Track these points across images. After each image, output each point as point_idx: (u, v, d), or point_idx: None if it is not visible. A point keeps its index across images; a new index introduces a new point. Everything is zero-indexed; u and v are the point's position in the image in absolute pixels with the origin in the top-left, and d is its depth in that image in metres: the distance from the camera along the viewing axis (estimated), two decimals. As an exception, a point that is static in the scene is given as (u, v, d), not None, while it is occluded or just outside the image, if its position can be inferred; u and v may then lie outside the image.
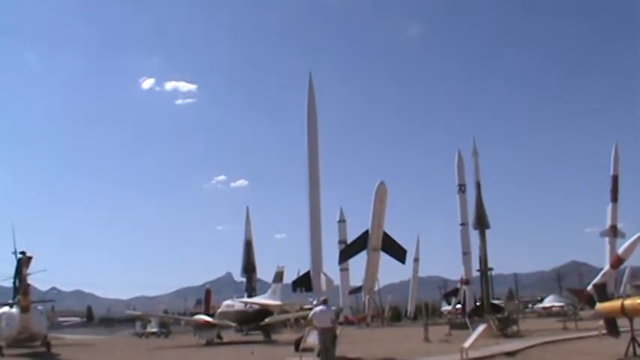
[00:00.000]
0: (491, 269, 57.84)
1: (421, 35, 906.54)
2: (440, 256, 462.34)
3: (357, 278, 75.43)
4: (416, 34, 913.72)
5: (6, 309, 48.56)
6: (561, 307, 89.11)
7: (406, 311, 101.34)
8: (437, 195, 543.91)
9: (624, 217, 70.69)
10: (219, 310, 59.22)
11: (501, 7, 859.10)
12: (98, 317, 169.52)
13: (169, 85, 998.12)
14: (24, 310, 40.85)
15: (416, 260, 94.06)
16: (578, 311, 61.59)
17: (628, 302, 21.20)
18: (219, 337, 55.84)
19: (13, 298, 50.16)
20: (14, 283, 54.54)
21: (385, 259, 46.39)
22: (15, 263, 53.15)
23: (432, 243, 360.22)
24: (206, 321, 56.29)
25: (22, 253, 44.21)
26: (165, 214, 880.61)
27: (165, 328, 77.14)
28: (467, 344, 26.72)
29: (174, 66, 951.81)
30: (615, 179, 62.56)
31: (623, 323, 21.84)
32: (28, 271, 42.77)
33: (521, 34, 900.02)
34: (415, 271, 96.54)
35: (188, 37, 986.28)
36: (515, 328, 47.29)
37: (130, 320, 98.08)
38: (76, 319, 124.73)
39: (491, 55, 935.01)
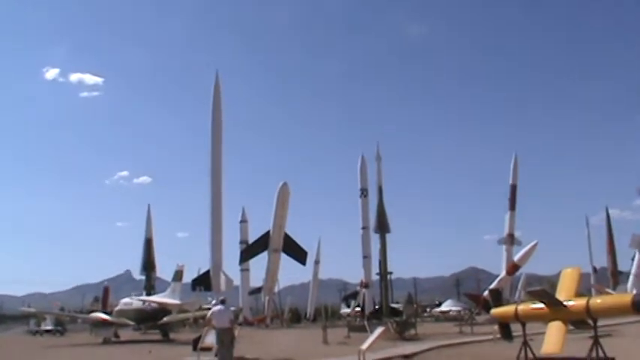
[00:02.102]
0: (390, 273, 58.60)
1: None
2: (341, 259, 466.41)
3: (257, 279, 75.32)
4: (323, 38, 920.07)
5: None
6: (458, 311, 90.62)
7: (306, 313, 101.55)
8: (340, 198, 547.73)
9: (521, 226, 72.54)
10: (117, 308, 58.43)
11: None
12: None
13: (74, 77, 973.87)
14: None
15: (317, 262, 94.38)
16: (475, 316, 62.74)
17: (521, 307, 21.63)
18: (117, 335, 55.15)
19: None
20: None
21: (286, 261, 46.42)
22: None
23: (333, 246, 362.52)
24: (103, 319, 55.56)
25: None
26: (65, 209, 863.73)
27: (61, 326, 75.58)
28: (364, 346, 26.86)
29: (81, 58, 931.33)
30: (514, 188, 64.02)
31: (516, 328, 22.27)
32: None
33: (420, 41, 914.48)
34: (315, 273, 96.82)
35: (97, 29, 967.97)
36: (412, 331, 47.86)
37: (24, 317, 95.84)
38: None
39: (407, 60, 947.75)
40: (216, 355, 25.42)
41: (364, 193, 60.04)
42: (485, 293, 53.01)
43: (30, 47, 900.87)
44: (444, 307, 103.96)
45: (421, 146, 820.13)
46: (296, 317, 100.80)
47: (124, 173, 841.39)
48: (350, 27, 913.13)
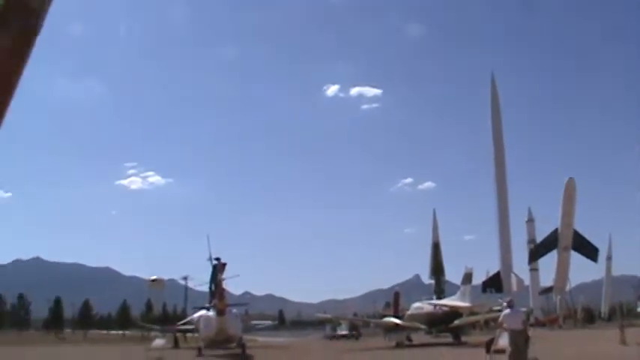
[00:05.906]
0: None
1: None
2: (634, 254, 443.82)
3: (546, 278, 73.88)
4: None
5: (204, 312, 50.94)
6: None
7: (600, 312, 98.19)
8: (629, 190, 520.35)
9: None
10: (409, 313, 59.48)
11: None
12: (289, 320, 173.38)
13: (354, 91, 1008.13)
14: (220, 313, 42.49)
15: (609, 259, 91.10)
16: None
17: None
18: (409, 339, 56.20)
19: (210, 302, 52.26)
20: (210, 287, 56.98)
21: (576, 258, 45.14)
22: (210, 269, 55.82)
23: (625, 240, 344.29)
24: (395, 323, 56.80)
25: (217, 259, 46.28)
26: (353, 218, 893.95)
27: (355, 331, 78.09)
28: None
29: (359, 72, 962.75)
30: None
31: None
32: (223, 276, 44.78)
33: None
34: (608, 269, 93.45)
35: (371, 43, 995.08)
36: None
37: (320, 323, 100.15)
38: (269, 323, 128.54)
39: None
40: (510, 358, 25.31)
41: (657, 184, 57.06)
42: None
43: (311, 67, 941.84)
44: None
45: None
46: (589, 317, 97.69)
47: (408, 180, 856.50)
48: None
